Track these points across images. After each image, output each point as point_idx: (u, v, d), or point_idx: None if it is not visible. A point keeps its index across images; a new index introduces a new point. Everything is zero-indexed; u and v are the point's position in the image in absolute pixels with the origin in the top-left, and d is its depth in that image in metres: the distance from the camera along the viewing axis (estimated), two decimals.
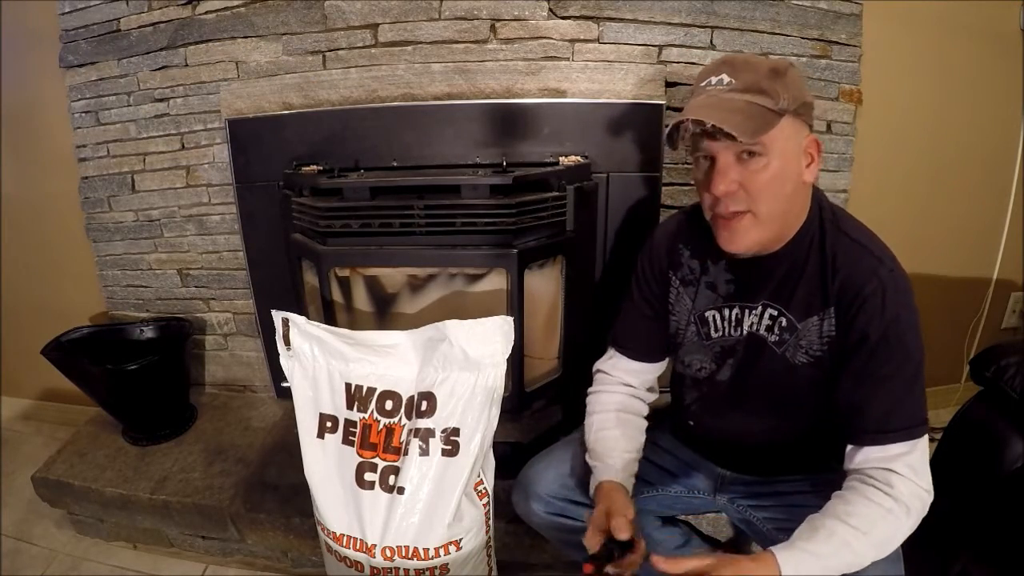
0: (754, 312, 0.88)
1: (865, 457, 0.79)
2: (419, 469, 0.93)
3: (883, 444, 0.78)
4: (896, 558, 0.78)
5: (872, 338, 0.78)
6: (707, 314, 0.93)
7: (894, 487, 0.76)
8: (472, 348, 0.92)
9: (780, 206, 0.80)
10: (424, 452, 0.93)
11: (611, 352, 1.04)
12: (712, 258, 0.91)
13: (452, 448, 0.93)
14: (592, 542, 0.83)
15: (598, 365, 1.06)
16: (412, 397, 0.95)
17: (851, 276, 0.79)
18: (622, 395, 1.02)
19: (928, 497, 0.78)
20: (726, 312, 0.91)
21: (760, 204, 0.79)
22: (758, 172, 0.78)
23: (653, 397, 1.06)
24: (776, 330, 0.86)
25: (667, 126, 0.81)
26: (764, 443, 0.94)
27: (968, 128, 1.54)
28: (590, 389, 1.05)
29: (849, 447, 0.81)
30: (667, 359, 1.04)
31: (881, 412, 0.78)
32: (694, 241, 0.94)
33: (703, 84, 0.80)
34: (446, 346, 0.92)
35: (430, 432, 0.93)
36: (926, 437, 0.79)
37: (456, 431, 0.93)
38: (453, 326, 0.92)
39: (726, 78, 0.78)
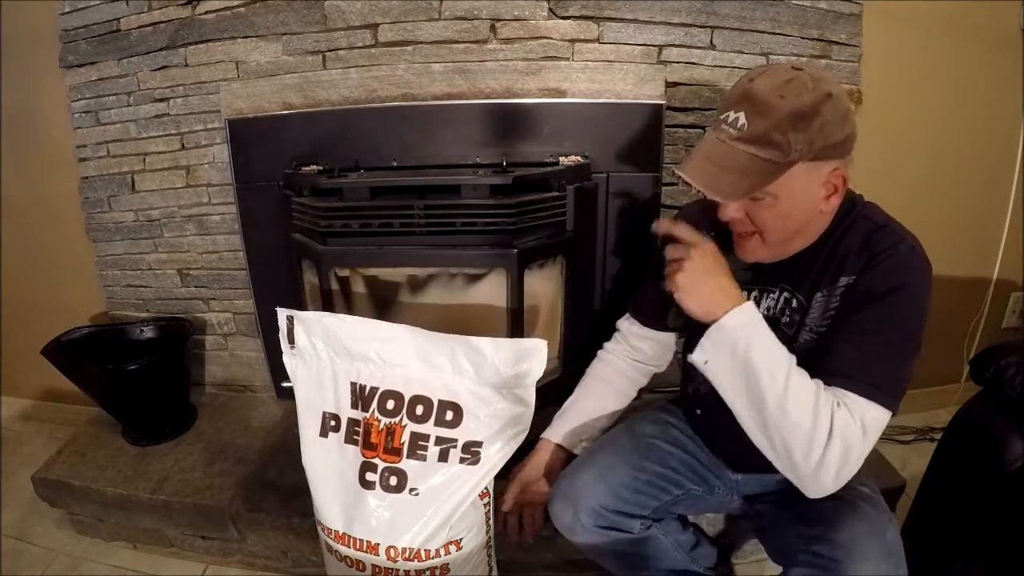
0: (771, 295, 0.89)
1: (833, 391, 0.76)
2: (435, 474, 0.92)
3: (854, 393, 0.75)
4: (898, 560, 0.77)
5: (871, 293, 0.77)
6: None
7: (840, 411, 0.74)
8: (505, 367, 0.91)
9: (789, 233, 0.82)
10: (443, 459, 0.92)
11: (627, 316, 1.13)
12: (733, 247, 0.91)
13: (472, 458, 0.92)
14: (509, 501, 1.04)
15: (618, 322, 1.15)
16: (432, 402, 0.94)
17: (867, 246, 0.80)
18: (623, 359, 1.13)
19: (840, 467, 0.73)
20: (745, 295, 0.91)
21: (766, 233, 0.82)
22: (763, 209, 0.79)
23: (655, 365, 1.14)
24: (788, 312, 0.87)
25: (676, 176, 0.81)
26: None
27: (968, 128, 1.54)
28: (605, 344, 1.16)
29: None
30: (676, 334, 1.10)
31: (849, 359, 0.76)
32: (719, 227, 0.93)
33: (722, 116, 0.78)
34: (478, 361, 0.91)
35: (452, 442, 0.92)
36: (886, 413, 0.76)
37: (479, 444, 0.92)
38: (488, 343, 0.91)
39: (741, 119, 0.75)
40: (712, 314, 0.78)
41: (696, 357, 0.81)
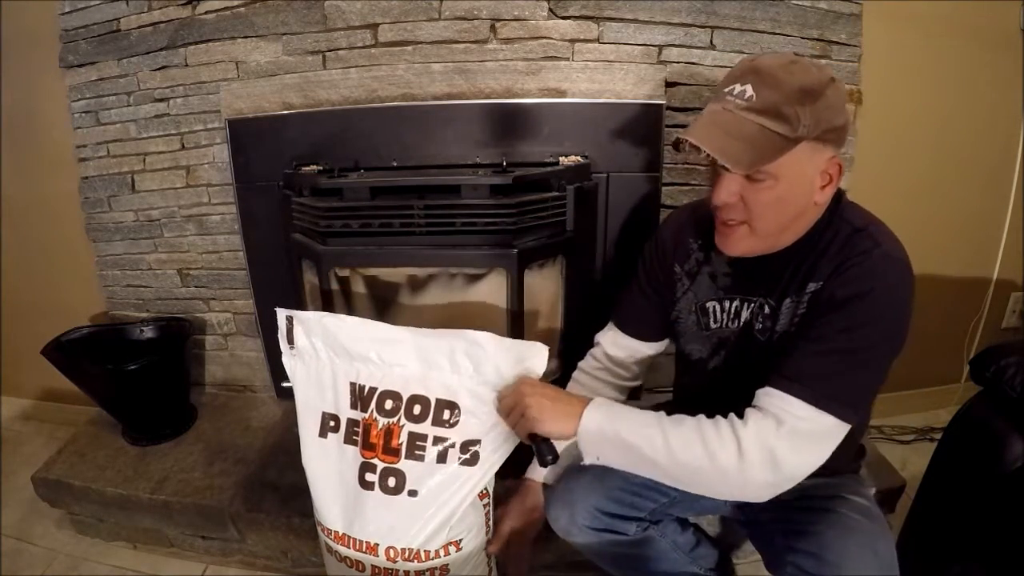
0: (752, 304, 0.89)
1: (764, 393, 0.76)
2: (434, 474, 0.92)
3: (784, 392, 0.74)
4: (891, 563, 0.77)
5: (833, 298, 0.76)
6: (708, 305, 0.94)
7: (747, 426, 0.74)
8: (505, 367, 0.90)
9: (780, 224, 0.80)
10: (442, 459, 0.92)
11: (610, 325, 1.10)
12: (716, 249, 0.90)
13: (471, 458, 0.92)
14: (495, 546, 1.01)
15: (597, 336, 1.11)
16: (429, 401, 0.93)
17: (841, 252, 0.78)
18: (601, 368, 1.09)
19: (772, 474, 0.72)
20: (726, 304, 0.92)
21: (757, 220, 0.80)
22: (761, 191, 0.77)
23: (634, 382, 1.11)
24: (760, 318, 0.87)
25: (675, 139, 0.79)
26: None
27: (968, 128, 1.54)
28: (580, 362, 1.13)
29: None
30: (662, 342, 1.07)
31: (802, 364, 0.75)
32: (704, 233, 0.94)
33: (726, 90, 0.77)
34: (478, 356, 0.90)
35: (451, 442, 0.92)
36: (839, 428, 0.74)
37: (477, 443, 0.92)
38: (488, 340, 0.90)
39: (749, 90, 0.74)
40: (573, 424, 0.82)
41: (587, 461, 0.84)
